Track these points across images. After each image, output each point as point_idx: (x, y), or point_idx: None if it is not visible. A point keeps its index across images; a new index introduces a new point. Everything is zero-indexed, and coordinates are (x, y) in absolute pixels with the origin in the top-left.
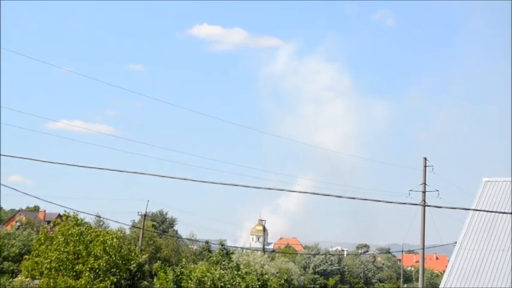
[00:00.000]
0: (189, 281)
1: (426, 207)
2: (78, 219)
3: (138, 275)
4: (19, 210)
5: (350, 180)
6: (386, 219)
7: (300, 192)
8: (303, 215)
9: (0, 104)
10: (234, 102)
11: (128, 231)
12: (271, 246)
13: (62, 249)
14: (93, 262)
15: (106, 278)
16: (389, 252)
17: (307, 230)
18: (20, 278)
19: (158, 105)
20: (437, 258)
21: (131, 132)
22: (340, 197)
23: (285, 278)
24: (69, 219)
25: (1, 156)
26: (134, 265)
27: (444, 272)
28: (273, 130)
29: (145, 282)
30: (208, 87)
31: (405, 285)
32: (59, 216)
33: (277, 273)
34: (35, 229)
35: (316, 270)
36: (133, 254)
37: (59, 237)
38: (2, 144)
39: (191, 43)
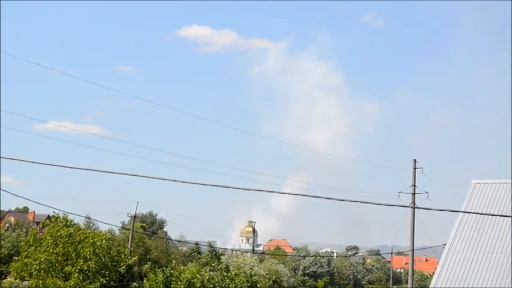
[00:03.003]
0: (179, 283)
1: (416, 209)
2: (68, 221)
3: (128, 277)
4: (8, 211)
5: (340, 181)
6: (376, 221)
7: (290, 194)
8: (294, 216)
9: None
10: (224, 104)
11: (117, 233)
12: (260, 248)
13: (51, 250)
14: (83, 264)
15: (95, 280)
16: (379, 254)
17: (297, 231)
18: (9, 279)
19: (148, 107)
20: (426, 260)
21: (121, 134)
22: (330, 198)
23: (273, 278)
24: (58, 220)
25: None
26: (123, 267)
27: (434, 273)
28: (264, 131)
29: (134, 284)
30: (198, 89)
31: (395, 287)
32: (48, 217)
33: (266, 274)
34: (24, 230)
35: (305, 272)
36: (122, 256)
37: (48, 238)
38: None
39: (180, 44)
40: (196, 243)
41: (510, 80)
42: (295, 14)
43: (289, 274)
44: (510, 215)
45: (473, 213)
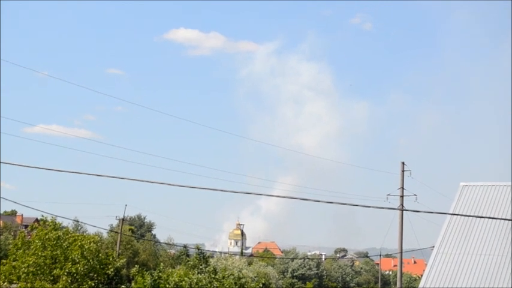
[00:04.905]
0: (167, 286)
1: (404, 212)
2: (56, 224)
3: (116, 280)
4: None
5: (330, 183)
6: (364, 223)
7: (278, 196)
8: (283, 218)
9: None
10: (213, 107)
11: (105, 236)
12: (249, 251)
13: (40, 253)
14: (71, 266)
15: (84, 283)
16: (368, 257)
17: (286, 233)
18: None
19: (137, 110)
20: (415, 262)
21: (110, 137)
22: (318, 201)
23: (263, 282)
24: (47, 223)
25: None
26: (112, 269)
27: (422, 276)
28: (253, 133)
29: (123, 287)
30: (187, 92)
31: None
32: (37, 220)
33: (255, 277)
34: (12, 233)
35: (294, 275)
36: (111, 259)
37: (36, 241)
38: None
39: (169, 47)
40: (185, 246)
41: (502, 81)
42: (284, 16)
43: (277, 276)
44: (498, 217)
45: (461, 215)
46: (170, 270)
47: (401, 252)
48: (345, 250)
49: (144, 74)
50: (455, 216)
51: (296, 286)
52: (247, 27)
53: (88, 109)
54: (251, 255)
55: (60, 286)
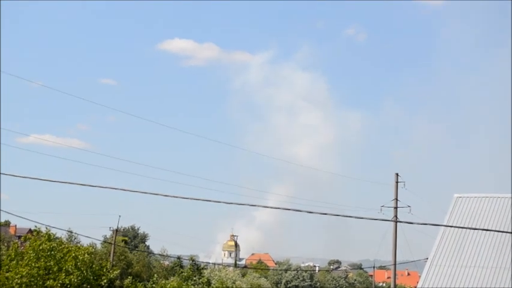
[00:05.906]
0: None
1: (398, 223)
2: (50, 235)
3: None
4: None
5: (323, 194)
6: (358, 234)
7: (272, 207)
8: (277, 228)
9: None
10: (207, 117)
11: (99, 247)
12: (243, 262)
13: (33, 264)
14: (65, 278)
15: None
16: (361, 268)
17: (280, 244)
18: None
19: (130, 120)
20: (408, 274)
21: (103, 147)
22: (312, 212)
23: None
24: (40, 234)
25: None
26: (105, 280)
27: None
28: (248, 144)
29: None
30: (181, 102)
31: None
32: (30, 231)
33: None
34: (5, 244)
35: (288, 286)
36: (104, 270)
37: (30, 252)
38: None
39: (163, 58)
40: (179, 257)
41: (501, 91)
42: (278, 26)
43: None
44: (492, 229)
45: (455, 227)
46: (164, 281)
47: (395, 264)
48: (338, 262)
49: (138, 84)
50: (449, 228)
51: None
52: (242, 38)
53: (81, 119)
54: (245, 266)
55: None
